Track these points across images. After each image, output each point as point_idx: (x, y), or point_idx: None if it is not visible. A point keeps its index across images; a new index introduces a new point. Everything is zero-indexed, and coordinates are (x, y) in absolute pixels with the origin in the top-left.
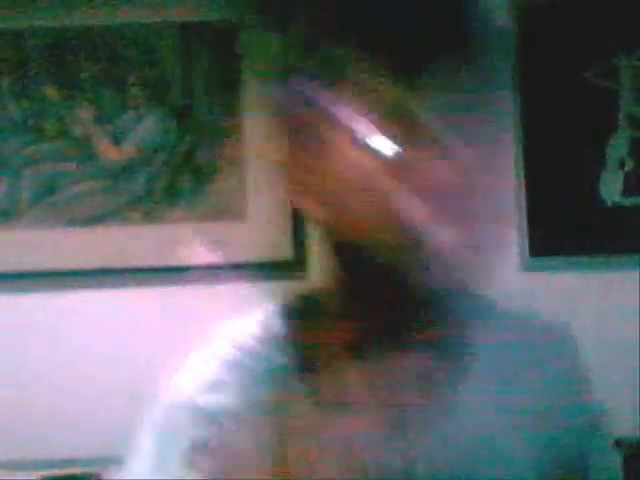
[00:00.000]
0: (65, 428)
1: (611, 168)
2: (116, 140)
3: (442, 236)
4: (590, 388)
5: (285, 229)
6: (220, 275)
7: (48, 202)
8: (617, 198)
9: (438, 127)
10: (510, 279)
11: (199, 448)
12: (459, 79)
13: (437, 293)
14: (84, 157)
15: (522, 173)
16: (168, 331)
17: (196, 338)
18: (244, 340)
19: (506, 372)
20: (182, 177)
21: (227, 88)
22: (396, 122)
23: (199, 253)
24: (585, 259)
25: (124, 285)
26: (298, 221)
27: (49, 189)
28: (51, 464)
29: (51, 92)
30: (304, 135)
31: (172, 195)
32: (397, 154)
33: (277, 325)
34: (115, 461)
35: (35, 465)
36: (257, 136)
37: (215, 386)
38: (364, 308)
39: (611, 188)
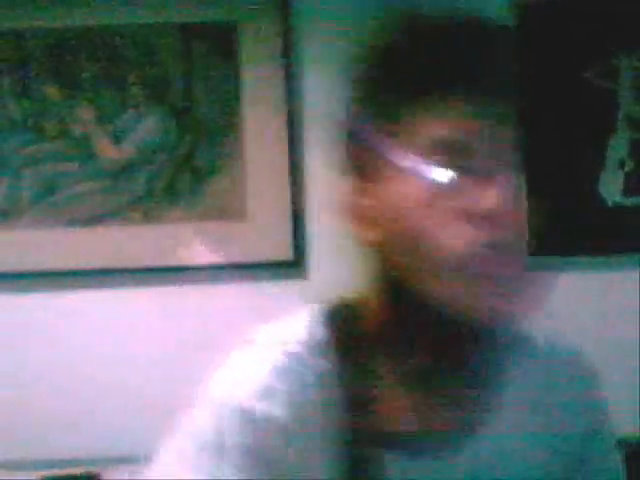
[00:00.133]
0: (65, 428)
1: (611, 168)
2: (116, 140)
3: (488, 264)
4: (607, 418)
5: (285, 229)
6: (220, 275)
7: (48, 202)
8: (617, 198)
9: (489, 155)
10: None
11: (248, 455)
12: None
13: (480, 321)
14: (84, 157)
15: (522, 173)
16: (168, 331)
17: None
18: (292, 346)
19: (530, 399)
20: (182, 177)
21: (227, 88)
22: (448, 152)
23: (199, 253)
24: (585, 259)
25: (124, 285)
26: (298, 221)
27: (49, 189)
28: (51, 464)
29: (51, 92)
30: (363, 168)
31: (172, 195)
32: (448, 182)
33: (322, 331)
34: (115, 461)
35: (35, 465)
36: (257, 136)
37: (265, 393)
38: (405, 329)
39: (611, 188)
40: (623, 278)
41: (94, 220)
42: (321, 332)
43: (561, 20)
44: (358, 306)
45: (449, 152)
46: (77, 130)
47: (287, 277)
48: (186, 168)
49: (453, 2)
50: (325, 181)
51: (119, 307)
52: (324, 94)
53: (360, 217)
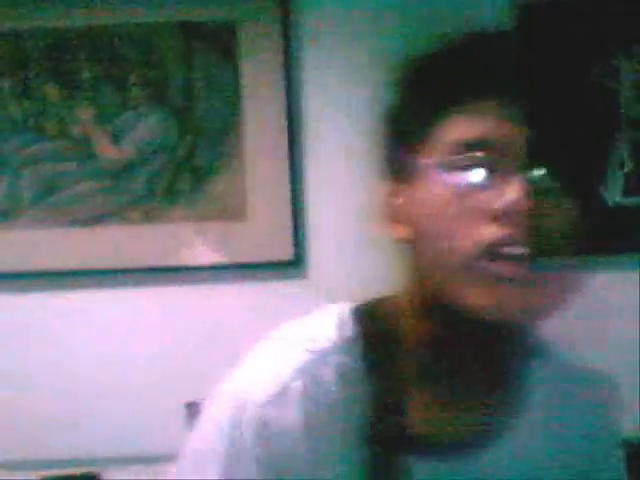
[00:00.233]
0: (65, 428)
1: (612, 168)
2: (116, 140)
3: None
4: (619, 435)
5: (285, 229)
6: (220, 275)
7: (48, 202)
8: (618, 198)
9: (513, 154)
10: None
11: (262, 463)
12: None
13: (505, 321)
14: (84, 157)
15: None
16: (168, 331)
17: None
18: (319, 344)
19: (550, 405)
20: (182, 177)
21: (227, 88)
22: (478, 152)
23: (199, 253)
24: (585, 259)
25: (124, 285)
26: (298, 221)
27: (49, 189)
28: (51, 464)
29: (51, 92)
30: (396, 168)
31: (172, 195)
32: (477, 182)
33: (352, 330)
34: (115, 461)
35: (35, 465)
36: (257, 136)
37: (282, 396)
38: (433, 329)
39: (612, 188)
40: (623, 278)
41: (94, 220)
42: (350, 331)
43: (561, 20)
44: (388, 306)
45: (480, 152)
46: (77, 130)
47: (287, 277)
48: (186, 168)
49: (454, 2)
50: (325, 181)
51: (119, 307)
52: (324, 94)
53: (393, 216)
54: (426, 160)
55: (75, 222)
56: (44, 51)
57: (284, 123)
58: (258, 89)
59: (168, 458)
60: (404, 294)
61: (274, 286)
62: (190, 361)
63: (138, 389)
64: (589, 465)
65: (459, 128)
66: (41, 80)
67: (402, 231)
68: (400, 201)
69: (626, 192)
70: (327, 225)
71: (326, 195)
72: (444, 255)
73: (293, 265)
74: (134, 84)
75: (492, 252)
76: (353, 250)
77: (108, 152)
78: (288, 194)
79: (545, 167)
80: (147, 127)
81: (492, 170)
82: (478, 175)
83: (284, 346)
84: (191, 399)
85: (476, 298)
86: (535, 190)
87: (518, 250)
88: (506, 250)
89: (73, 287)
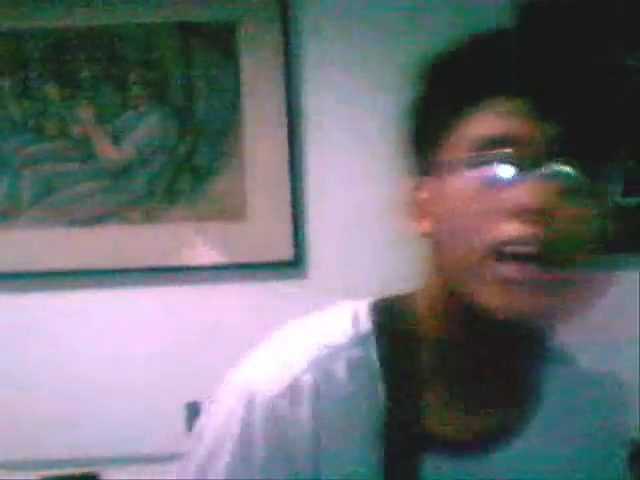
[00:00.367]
0: (65, 428)
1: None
2: (116, 140)
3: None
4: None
5: (285, 229)
6: (220, 275)
7: (48, 202)
8: (617, 198)
9: (543, 152)
10: None
11: (275, 457)
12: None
13: (524, 321)
14: (84, 157)
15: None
16: (168, 331)
17: (195, 338)
18: (334, 338)
19: (564, 408)
20: (182, 177)
21: (227, 88)
22: (505, 148)
23: (199, 253)
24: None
25: (124, 285)
26: (298, 221)
27: (49, 189)
28: (51, 464)
29: (51, 92)
30: (422, 163)
31: (172, 195)
32: (503, 178)
33: (368, 325)
34: (115, 461)
35: (35, 465)
36: (257, 136)
37: (295, 388)
38: (451, 326)
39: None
40: (623, 278)
41: (94, 220)
42: (366, 326)
43: (562, 20)
44: (406, 302)
45: (506, 148)
46: (77, 130)
47: (287, 277)
48: (186, 168)
49: (455, 2)
50: (325, 181)
51: (119, 307)
52: (324, 94)
53: (418, 210)
54: (451, 155)
55: (75, 222)
56: (44, 51)
57: (284, 123)
58: (258, 89)
59: (168, 458)
60: (422, 290)
61: (274, 286)
62: (190, 361)
63: (138, 389)
64: (599, 466)
65: (486, 124)
66: (41, 80)
67: (427, 226)
68: (425, 195)
69: (626, 191)
70: (327, 225)
71: (326, 195)
72: (461, 251)
73: (293, 265)
74: (134, 84)
75: (502, 251)
76: (353, 250)
77: (108, 152)
78: (288, 194)
79: (573, 165)
80: (147, 127)
81: (518, 167)
82: (503, 171)
83: (298, 339)
84: (191, 399)
85: (488, 297)
86: (563, 189)
87: (531, 250)
88: (517, 249)
89: (73, 287)
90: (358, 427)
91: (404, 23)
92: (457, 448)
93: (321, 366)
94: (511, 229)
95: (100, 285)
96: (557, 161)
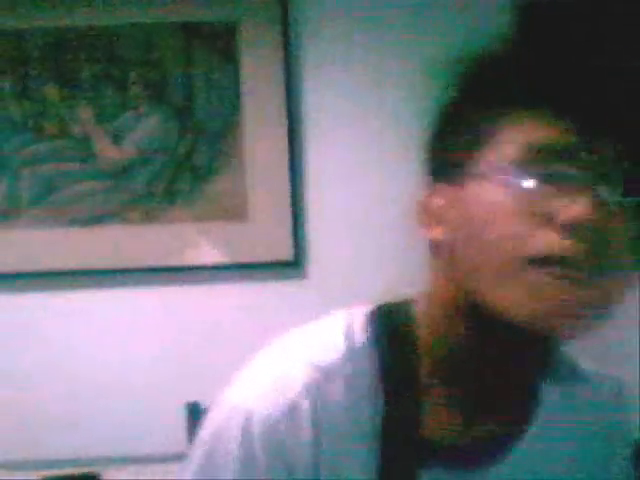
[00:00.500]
0: (65, 428)
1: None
2: (116, 140)
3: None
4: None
5: (285, 229)
6: (220, 275)
7: (48, 202)
8: (617, 198)
9: (578, 165)
10: None
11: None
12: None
13: (537, 331)
14: (84, 157)
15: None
16: (168, 331)
17: (195, 338)
18: (326, 357)
19: (567, 421)
20: (182, 177)
21: (227, 88)
22: (536, 158)
23: (199, 253)
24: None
25: (124, 285)
26: (298, 221)
27: (49, 189)
28: (51, 464)
29: (51, 92)
30: (444, 170)
31: (172, 195)
32: (532, 187)
33: (363, 337)
34: (115, 461)
35: (35, 465)
36: (257, 136)
37: (293, 413)
38: (457, 334)
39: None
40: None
41: (94, 220)
42: (361, 338)
43: (561, 20)
44: (406, 309)
45: (538, 158)
46: (77, 130)
47: (287, 277)
48: (186, 168)
49: (455, 2)
50: (325, 181)
51: (119, 307)
52: (324, 94)
53: (431, 217)
54: (488, 162)
55: (75, 222)
56: (44, 51)
57: (284, 123)
58: (258, 89)
59: (168, 458)
60: (429, 296)
61: (274, 286)
62: (190, 361)
63: (138, 389)
64: (602, 468)
65: (533, 132)
66: (41, 80)
67: (438, 232)
68: (441, 202)
69: (626, 191)
70: (327, 225)
71: (326, 195)
72: (488, 259)
73: (293, 265)
74: (134, 84)
75: (535, 260)
76: (353, 250)
77: (108, 152)
78: (288, 194)
79: (614, 180)
80: (147, 127)
81: (561, 179)
82: (542, 182)
83: (290, 358)
84: (191, 399)
85: (515, 304)
86: (602, 203)
87: (565, 261)
88: (551, 260)
89: (73, 287)
90: (356, 443)
91: (404, 23)
92: (457, 458)
93: (316, 390)
94: (546, 240)
95: (100, 285)
96: (596, 174)
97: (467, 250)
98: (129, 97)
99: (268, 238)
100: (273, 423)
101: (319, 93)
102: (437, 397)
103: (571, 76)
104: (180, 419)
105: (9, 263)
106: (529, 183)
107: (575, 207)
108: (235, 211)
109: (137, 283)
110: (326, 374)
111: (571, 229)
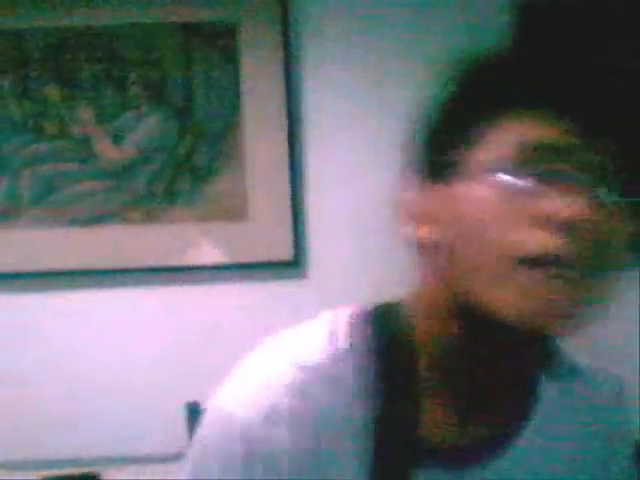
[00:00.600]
0: (65, 428)
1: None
2: (116, 140)
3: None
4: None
5: (285, 229)
6: (220, 275)
7: (48, 202)
8: (615, 198)
9: (573, 164)
10: None
11: None
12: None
13: (531, 331)
14: (84, 157)
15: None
16: (168, 331)
17: (195, 338)
18: (312, 357)
19: (564, 422)
20: (182, 177)
21: (227, 88)
22: (531, 156)
23: (199, 253)
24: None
25: (124, 285)
26: (298, 221)
27: (49, 189)
28: (51, 464)
29: (51, 92)
30: (434, 168)
31: (172, 195)
32: (526, 186)
33: (349, 339)
34: (115, 461)
35: (35, 465)
36: (257, 136)
37: (273, 415)
38: (448, 335)
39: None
40: (622, 277)
41: (94, 220)
42: (346, 340)
43: (561, 20)
44: (394, 310)
45: (534, 157)
46: (77, 130)
47: (287, 277)
48: (186, 168)
49: (456, 2)
50: (325, 181)
51: (119, 307)
52: (324, 94)
53: (419, 216)
54: (481, 161)
55: (75, 222)
56: (44, 51)
57: (284, 123)
58: (258, 89)
59: (168, 458)
60: (418, 296)
61: (274, 286)
62: (190, 361)
63: (138, 389)
64: (603, 468)
65: (530, 131)
66: (41, 80)
67: (426, 231)
68: (431, 201)
69: (625, 191)
70: (327, 225)
71: (326, 195)
72: (480, 258)
73: (293, 265)
74: (134, 84)
75: (528, 260)
76: (353, 250)
77: (108, 152)
78: (288, 194)
79: (610, 179)
80: (147, 127)
81: (559, 178)
82: (536, 180)
83: (274, 360)
84: (191, 399)
85: (508, 304)
86: (597, 202)
87: (558, 260)
88: (544, 259)
89: (73, 287)
90: (346, 443)
91: (404, 23)
92: (453, 458)
93: (297, 390)
94: (540, 239)
95: (100, 285)
96: (593, 174)
97: (458, 250)
98: (129, 97)
99: (268, 238)
100: (253, 426)
101: (319, 93)
102: (431, 397)
103: (570, 76)
104: (180, 419)
105: (9, 263)
106: (523, 182)
107: (572, 207)
108: (235, 211)
109: (137, 283)
110: (311, 374)
111: (567, 229)
